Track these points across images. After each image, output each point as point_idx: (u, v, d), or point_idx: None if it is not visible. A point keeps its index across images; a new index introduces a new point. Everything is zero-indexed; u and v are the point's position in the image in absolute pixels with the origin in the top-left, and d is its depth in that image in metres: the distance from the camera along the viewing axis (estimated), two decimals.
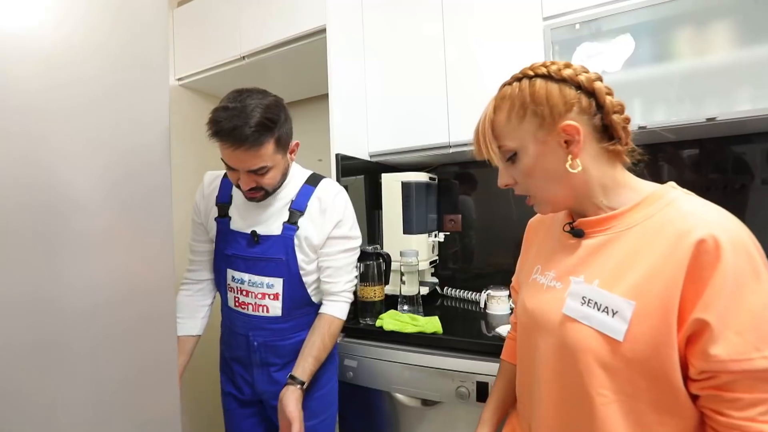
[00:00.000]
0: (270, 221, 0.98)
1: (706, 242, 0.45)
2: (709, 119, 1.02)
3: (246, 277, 0.99)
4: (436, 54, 1.37)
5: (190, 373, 1.14)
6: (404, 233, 1.43)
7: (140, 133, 0.70)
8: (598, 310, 0.52)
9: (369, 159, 1.52)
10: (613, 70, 1.14)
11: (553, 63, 0.57)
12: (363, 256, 1.29)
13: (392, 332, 1.17)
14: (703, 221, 0.47)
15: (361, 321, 1.28)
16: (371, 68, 1.50)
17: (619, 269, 0.52)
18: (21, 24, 0.53)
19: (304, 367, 0.91)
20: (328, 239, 0.99)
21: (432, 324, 1.16)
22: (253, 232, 0.97)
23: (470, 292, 1.52)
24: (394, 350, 1.15)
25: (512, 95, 0.58)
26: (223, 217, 1.02)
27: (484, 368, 1.02)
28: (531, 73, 0.58)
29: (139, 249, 0.69)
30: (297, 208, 0.98)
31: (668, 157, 1.32)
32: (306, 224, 0.98)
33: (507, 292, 1.33)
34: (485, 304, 1.37)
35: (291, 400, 0.86)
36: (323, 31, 1.31)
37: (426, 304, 1.41)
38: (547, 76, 0.56)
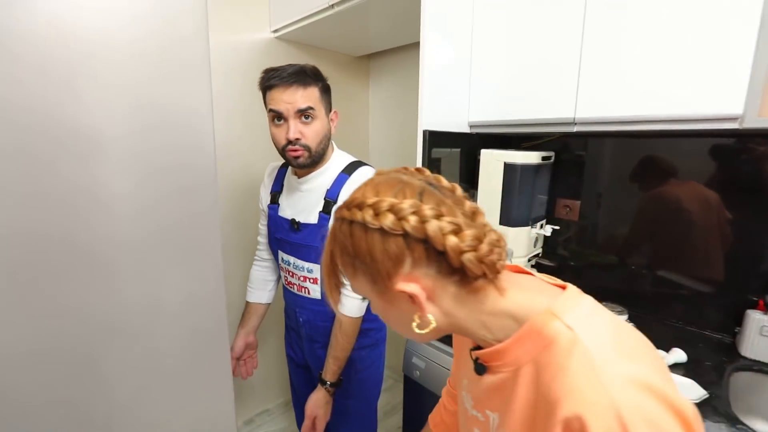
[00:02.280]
0: (308, 210, 1.00)
1: (571, 424, 0.34)
2: None
3: (291, 259, 1.04)
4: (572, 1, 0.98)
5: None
6: (500, 224, 1.21)
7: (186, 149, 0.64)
8: None
9: (468, 131, 1.27)
10: None
11: (371, 205, 0.40)
12: None
13: None
14: (575, 389, 0.35)
15: None
16: (481, 12, 1.17)
17: (521, 422, 0.41)
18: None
19: (327, 368, 0.99)
20: None
21: None
22: (293, 220, 1.00)
23: None
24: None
25: (337, 239, 0.44)
26: (273, 204, 1.07)
27: None
28: (347, 215, 0.42)
29: (189, 266, 0.68)
30: (330, 198, 0.96)
31: None
32: None
33: (624, 317, 1.06)
34: None
35: (313, 399, 1.00)
36: None
37: None
38: (363, 225, 0.41)
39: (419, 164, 1.13)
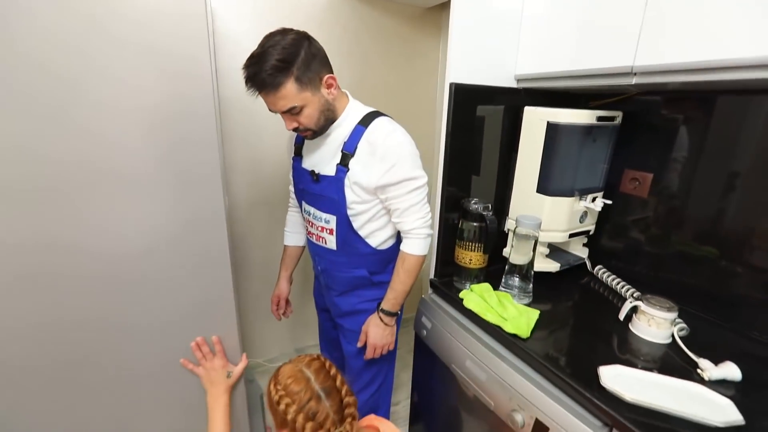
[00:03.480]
0: (326, 161, 1.00)
1: None
2: None
3: (312, 209, 1.08)
4: None
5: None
6: (537, 192, 1.08)
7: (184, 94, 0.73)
8: None
9: (515, 86, 1.13)
10: None
11: (279, 396, 0.70)
12: (464, 214, 1.09)
13: (471, 311, 1.00)
14: None
15: (454, 282, 1.14)
16: None
17: None
18: None
19: (385, 298, 1.06)
20: (389, 185, 0.95)
21: (520, 320, 0.92)
22: (312, 172, 1.02)
23: (625, 286, 1.08)
24: (467, 331, 1.00)
25: (267, 391, 0.75)
26: (296, 156, 1.10)
27: (555, 412, 0.77)
28: (270, 385, 0.74)
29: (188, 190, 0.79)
30: (347, 150, 0.96)
31: None
32: (355, 167, 0.96)
33: (672, 315, 0.88)
34: (628, 316, 0.95)
35: (371, 333, 1.07)
36: None
37: (558, 281, 1.14)
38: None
39: (444, 124, 1.06)
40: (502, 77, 1.11)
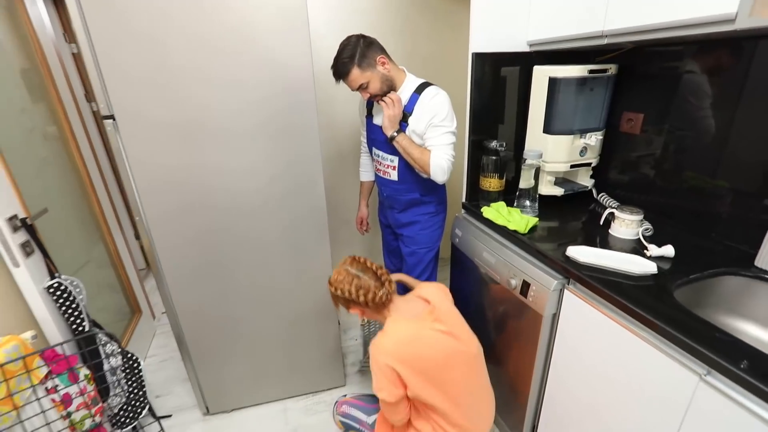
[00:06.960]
0: None
1: None
2: None
3: (380, 153, 1.52)
4: None
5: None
6: (543, 132, 1.41)
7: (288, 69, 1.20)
8: None
9: (528, 50, 1.44)
10: None
11: (334, 287, 1.11)
12: (485, 151, 1.46)
13: (488, 219, 1.39)
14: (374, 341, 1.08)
15: (480, 204, 1.53)
16: None
17: None
18: None
19: (405, 138, 1.37)
20: (431, 127, 1.35)
21: (521, 222, 1.29)
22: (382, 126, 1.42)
23: (612, 202, 1.39)
24: (484, 233, 1.40)
25: (330, 290, 1.14)
26: (368, 116, 1.53)
27: (535, 274, 1.16)
28: (329, 286, 1.14)
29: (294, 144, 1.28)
30: (407, 111, 1.38)
31: None
32: (413, 121, 1.37)
33: (637, 217, 1.19)
34: (607, 222, 1.28)
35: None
36: None
37: (566, 205, 1.47)
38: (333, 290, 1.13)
39: (468, 86, 1.42)
40: (519, 44, 1.42)
